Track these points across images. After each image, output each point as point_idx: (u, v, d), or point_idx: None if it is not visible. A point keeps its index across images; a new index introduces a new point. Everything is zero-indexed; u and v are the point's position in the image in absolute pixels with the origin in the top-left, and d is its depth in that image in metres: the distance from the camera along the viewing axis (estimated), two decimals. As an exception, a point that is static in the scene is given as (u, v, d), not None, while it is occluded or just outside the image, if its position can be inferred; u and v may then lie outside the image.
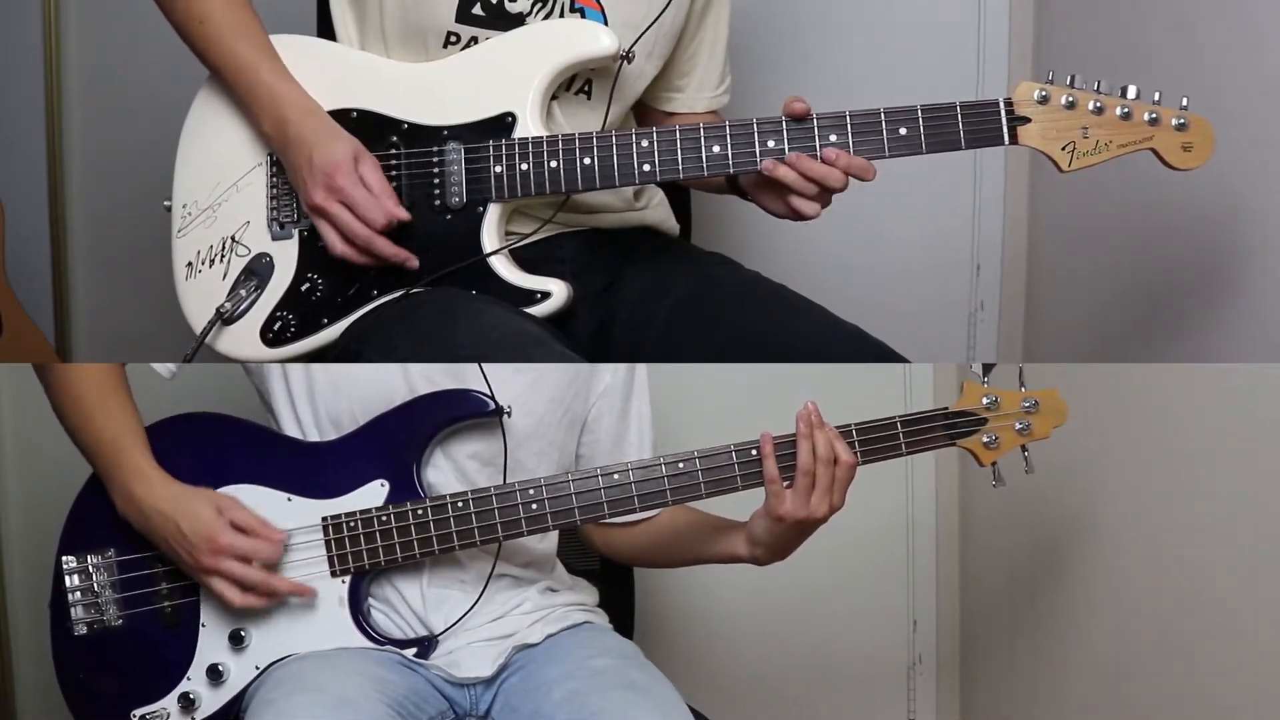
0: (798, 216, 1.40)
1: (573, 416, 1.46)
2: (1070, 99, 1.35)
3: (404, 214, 1.38)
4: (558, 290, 1.41)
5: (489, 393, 1.35)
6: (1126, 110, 1.34)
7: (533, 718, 1.30)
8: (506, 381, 1.38)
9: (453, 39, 1.44)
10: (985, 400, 1.35)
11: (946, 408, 1.35)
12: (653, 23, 1.47)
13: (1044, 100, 1.35)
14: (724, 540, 1.39)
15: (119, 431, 1.36)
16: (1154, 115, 1.34)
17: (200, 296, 1.46)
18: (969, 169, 2.24)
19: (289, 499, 1.36)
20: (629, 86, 1.51)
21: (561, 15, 1.44)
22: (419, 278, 1.41)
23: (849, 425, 1.33)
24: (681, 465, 1.33)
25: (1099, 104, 1.35)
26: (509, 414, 1.37)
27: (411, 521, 1.34)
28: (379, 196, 1.37)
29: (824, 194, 1.38)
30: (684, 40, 1.58)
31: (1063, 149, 1.35)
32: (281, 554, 1.33)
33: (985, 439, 1.35)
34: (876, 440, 1.33)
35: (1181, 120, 1.34)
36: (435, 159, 1.41)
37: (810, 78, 2.21)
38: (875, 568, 2.26)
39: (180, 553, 1.31)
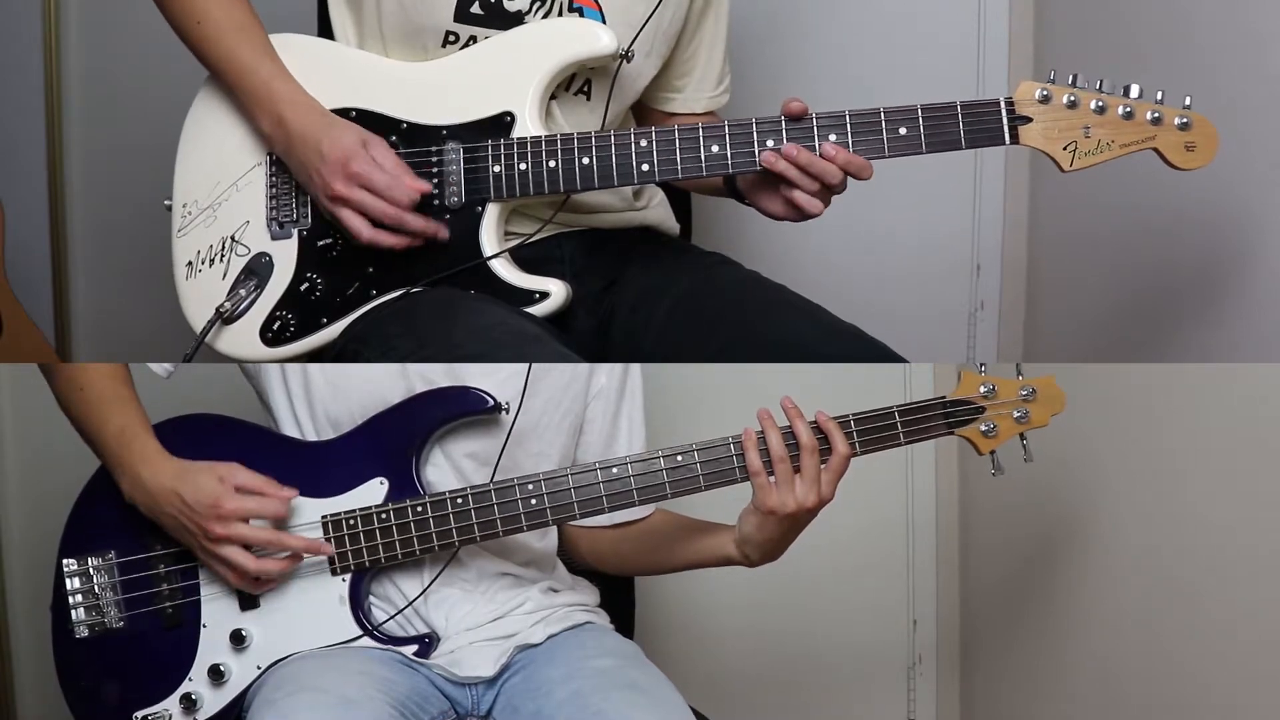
0: (799, 214, 1.39)
1: (573, 419, 1.46)
2: (1072, 98, 1.34)
3: (426, 186, 1.38)
4: (556, 290, 1.41)
5: (488, 390, 1.35)
6: (1129, 109, 1.34)
7: (534, 718, 1.30)
8: (506, 382, 1.38)
9: (451, 38, 1.44)
10: (982, 389, 1.35)
11: (944, 397, 1.35)
12: (649, 16, 1.46)
13: (1045, 99, 1.35)
14: (712, 541, 1.39)
15: (126, 420, 1.36)
16: (1157, 115, 1.34)
17: (200, 296, 1.46)
18: (969, 169, 2.24)
19: (288, 499, 1.36)
20: (628, 86, 1.51)
21: (560, 14, 1.44)
22: (418, 277, 1.41)
23: (846, 416, 1.33)
24: (680, 458, 1.33)
25: (1101, 103, 1.34)
26: (507, 410, 1.37)
27: (411, 519, 1.34)
28: (398, 174, 1.37)
29: (824, 191, 1.38)
30: (683, 40, 1.58)
31: (1064, 148, 1.35)
32: (289, 511, 1.33)
33: (983, 427, 1.35)
34: (874, 430, 1.33)
35: (1185, 120, 1.33)
36: (434, 159, 1.41)
37: (810, 78, 2.21)
38: (875, 567, 2.26)
39: (189, 526, 1.31)
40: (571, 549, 1.53)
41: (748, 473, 1.31)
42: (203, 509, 1.29)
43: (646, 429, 1.52)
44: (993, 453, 1.36)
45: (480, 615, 1.40)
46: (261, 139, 1.44)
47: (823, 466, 1.30)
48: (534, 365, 1.38)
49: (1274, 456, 1.35)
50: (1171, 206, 1.70)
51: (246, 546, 1.31)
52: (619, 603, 1.61)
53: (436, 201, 1.41)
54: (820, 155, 1.35)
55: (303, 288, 1.44)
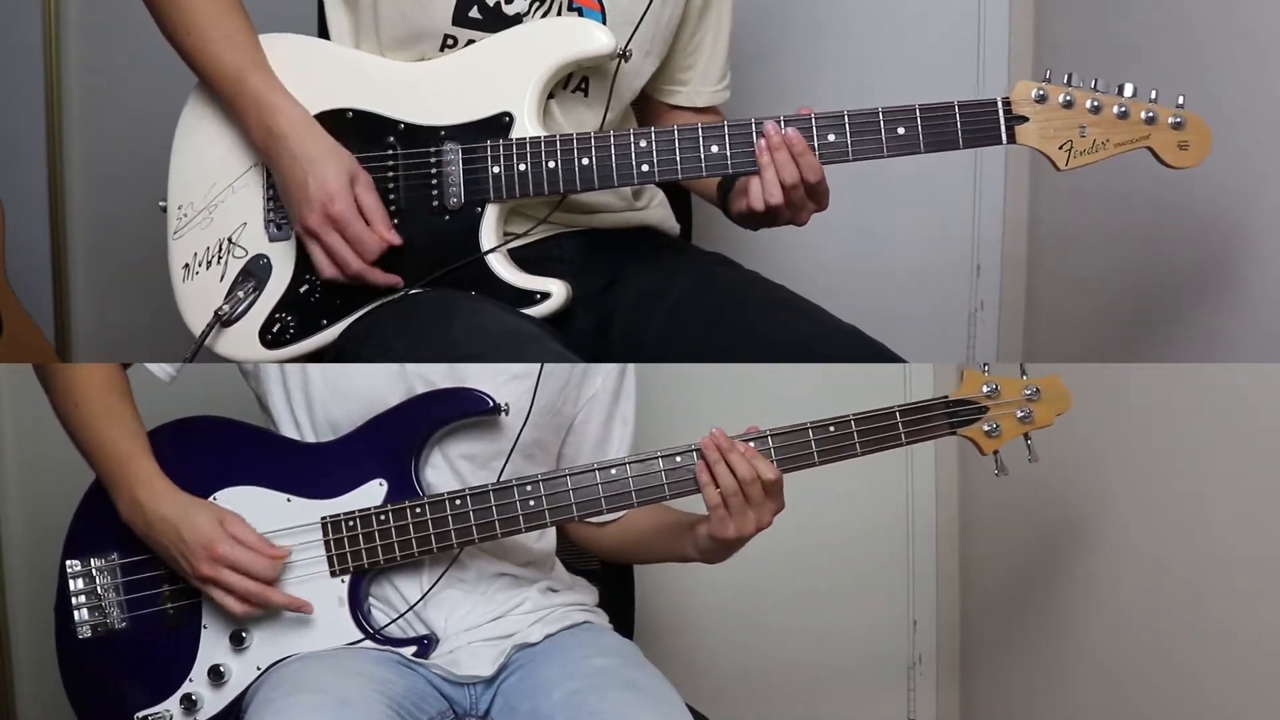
0: (761, 201, 1.37)
1: (560, 420, 1.46)
2: (1068, 98, 1.34)
3: (396, 239, 1.38)
4: (556, 291, 1.41)
5: (488, 391, 1.36)
6: (1123, 109, 1.34)
7: (532, 717, 1.30)
8: (508, 384, 1.38)
9: (450, 42, 1.43)
10: (985, 388, 1.34)
11: (947, 396, 1.35)
12: (644, 15, 1.45)
13: (1041, 99, 1.35)
14: (677, 547, 1.40)
15: (123, 437, 1.36)
16: (1151, 114, 1.34)
17: (198, 298, 1.46)
18: (969, 169, 2.24)
19: (288, 500, 1.36)
20: (626, 85, 1.50)
21: (559, 15, 1.44)
22: (417, 278, 1.41)
23: (847, 416, 1.32)
24: (679, 459, 1.33)
25: (1096, 102, 1.34)
26: (506, 412, 1.37)
27: (410, 520, 1.34)
28: (375, 223, 1.37)
29: (785, 188, 1.36)
30: (684, 35, 1.57)
31: (1060, 148, 1.35)
32: (279, 571, 1.33)
33: (986, 427, 1.34)
34: (876, 430, 1.33)
35: (1178, 119, 1.34)
36: (433, 159, 1.41)
37: (809, 77, 2.21)
38: (875, 567, 2.26)
39: (180, 560, 1.32)
40: (564, 541, 1.54)
41: (707, 506, 1.31)
42: (197, 547, 1.30)
43: (637, 431, 1.52)
44: (996, 453, 1.35)
45: (479, 615, 1.40)
46: (252, 148, 1.44)
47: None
48: (543, 366, 1.38)
49: (1274, 456, 1.35)
50: (1171, 206, 1.70)
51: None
52: (618, 602, 1.61)
53: (436, 203, 1.41)
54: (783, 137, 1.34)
55: (301, 289, 1.44)
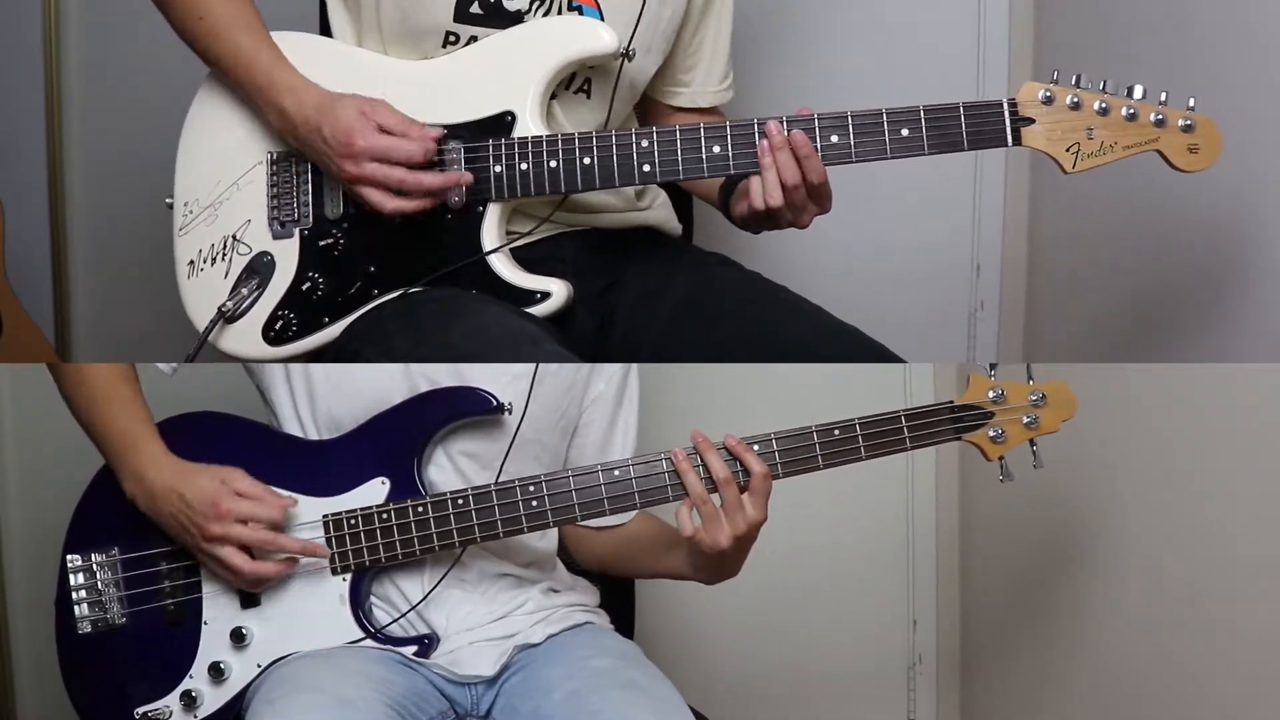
0: (763, 202, 1.37)
1: (566, 422, 1.46)
2: (1075, 99, 1.33)
3: (437, 131, 1.37)
4: (557, 290, 1.41)
5: (492, 391, 1.35)
6: (1132, 111, 1.33)
7: (533, 718, 1.30)
8: (509, 386, 1.38)
9: (451, 39, 1.44)
10: (991, 394, 1.33)
11: (952, 402, 1.34)
12: (641, 13, 1.45)
13: (1048, 101, 1.34)
14: (675, 561, 1.40)
15: (131, 420, 1.37)
16: (1160, 116, 1.32)
17: (202, 295, 1.46)
18: (969, 170, 2.24)
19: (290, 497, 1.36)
20: (629, 85, 1.51)
21: (560, 13, 1.44)
22: (419, 277, 1.41)
23: (852, 420, 1.32)
24: (682, 461, 1.33)
25: (1104, 104, 1.33)
26: (510, 411, 1.37)
27: (412, 519, 1.34)
28: (405, 133, 1.36)
29: (785, 189, 1.35)
30: (685, 35, 1.57)
31: (1067, 150, 1.34)
32: (285, 516, 1.33)
33: (991, 433, 1.33)
34: (880, 435, 1.32)
35: (1188, 121, 1.32)
36: (435, 158, 1.41)
37: (811, 77, 2.21)
38: (875, 568, 2.27)
39: (186, 525, 1.31)
40: (563, 542, 1.53)
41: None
42: (201, 508, 1.30)
43: (639, 434, 1.52)
44: (1001, 459, 1.34)
45: (481, 616, 1.40)
46: (272, 133, 1.44)
47: (746, 492, 1.29)
48: (538, 367, 1.38)
49: (1276, 457, 1.35)
50: (1172, 206, 1.70)
51: (244, 549, 1.32)
52: (619, 603, 1.61)
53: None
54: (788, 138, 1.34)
55: (304, 287, 1.44)
